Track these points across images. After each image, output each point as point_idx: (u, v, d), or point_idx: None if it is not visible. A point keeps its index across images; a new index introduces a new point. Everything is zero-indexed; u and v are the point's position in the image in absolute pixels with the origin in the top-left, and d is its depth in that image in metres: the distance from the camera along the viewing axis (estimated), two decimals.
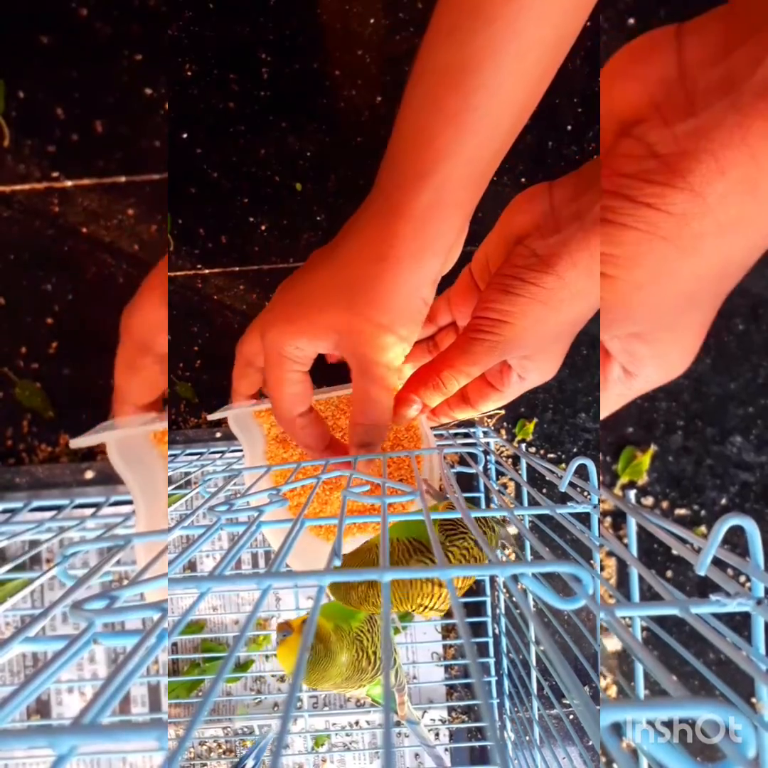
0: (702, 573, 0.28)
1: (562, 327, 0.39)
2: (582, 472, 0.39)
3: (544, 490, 0.96)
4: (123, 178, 1.00)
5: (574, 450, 1.03)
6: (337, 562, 0.29)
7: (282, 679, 0.94)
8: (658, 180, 0.26)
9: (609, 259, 0.28)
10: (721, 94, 0.25)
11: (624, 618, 0.25)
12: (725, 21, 0.26)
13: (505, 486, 0.99)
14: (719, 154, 0.25)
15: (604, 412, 0.37)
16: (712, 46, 0.26)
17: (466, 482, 0.88)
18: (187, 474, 0.72)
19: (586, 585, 0.25)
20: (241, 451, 0.79)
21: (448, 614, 0.94)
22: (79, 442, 0.41)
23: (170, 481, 0.73)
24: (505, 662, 0.88)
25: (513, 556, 0.83)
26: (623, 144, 0.28)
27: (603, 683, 0.99)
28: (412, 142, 0.35)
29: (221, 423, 1.01)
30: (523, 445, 0.93)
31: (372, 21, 1.00)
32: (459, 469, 0.63)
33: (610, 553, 0.97)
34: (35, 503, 0.58)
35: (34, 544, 0.54)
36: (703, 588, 0.95)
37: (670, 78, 0.27)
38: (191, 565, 0.91)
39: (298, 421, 0.45)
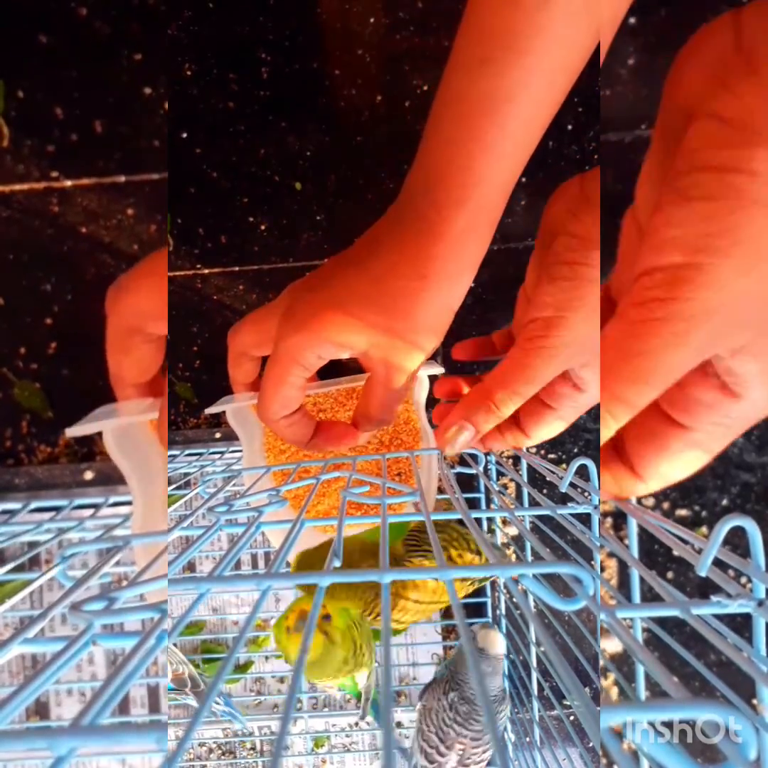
0: (703, 574, 0.28)
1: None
2: (583, 472, 0.39)
3: (545, 491, 0.96)
4: (122, 178, 1.00)
5: (575, 450, 1.02)
6: (337, 563, 0.28)
7: (282, 680, 0.93)
8: (734, 142, 0.25)
9: (698, 242, 0.25)
10: None
11: (625, 619, 0.25)
12: None
13: (505, 486, 0.99)
14: None
15: (704, 449, 0.31)
16: None
17: (467, 482, 0.88)
18: (186, 475, 0.72)
19: (586, 586, 0.24)
20: (241, 451, 0.79)
21: (449, 615, 0.94)
22: (75, 431, 0.41)
23: (170, 482, 0.73)
24: (505, 663, 0.87)
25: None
26: (693, 126, 0.26)
27: (604, 684, 0.98)
28: (448, 167, 0.36)
29: (221, 422, 1.01)
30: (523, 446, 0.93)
31: (372, 20, 1.00)
32: (459, 469, 0.63)
33: (610, 554, 0.97)
34: (34, 504, 0.58)
35: (33, 545, 0.54)
36: (704, 589, 0.95)
37: (727, 52, 0.25)
38: (190, 566, 0.91)
39: (283, 421, 0.45)
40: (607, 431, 0.29)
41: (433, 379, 0.53)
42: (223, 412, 0.53)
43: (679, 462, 0.31)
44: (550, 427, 0.44)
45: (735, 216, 0.25)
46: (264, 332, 0.44)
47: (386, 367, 0.41)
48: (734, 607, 0.25)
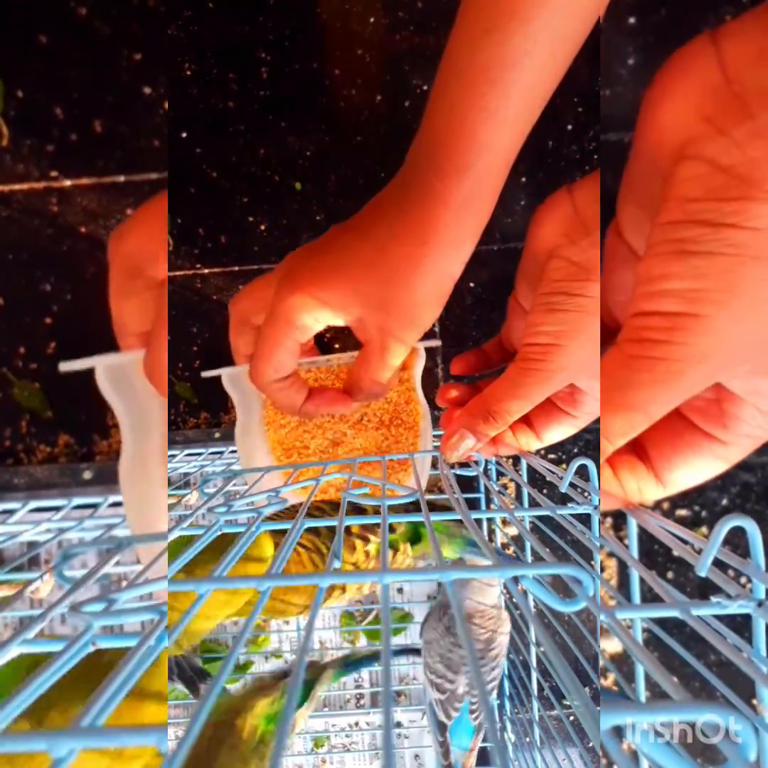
0: (702, 574, 0.28)
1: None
2: (582, 472, 0.39)
3: (545, 491, 0.96)
4: (122, 178, 1.00)
5: (575, 450, 1.02)
6: (337, 565, 0.28)
7: None
8: (734, 195, 0.24)
9: (698, 295, 0.26)
10: None
11: (624, 619, 0.25)
12: (765, 20, 0.24)
13: (505, 486, 0.99)
14: None
15: (731, 462, 0.32)
16: (756, 46, 0.24)
17: (467, 483, 0.88)
18: (186, 475, 0.72)
19: (586, 587, 0.24)
20: None
21: None
22: (68, 366, 0.39)
23: (169, 483, 0.73)
24: (505, 663, 0.87)
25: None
26: (683, 167, 0.26)
27: (604, 684, 0.98)
28: (453, 135, 0.36)
29: (221, 422, 1.01)
30: None
31: (372, 20, 0.99)
32: (459, 471, 0.63)
33: (610, 554, 0.97)
34: (33, 504, 0.58)
35: (32, 545, 0.54)
36: (704, 589, 0.95)
37: (715, 85, 0.25)
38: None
39: (275, 385, 0.44)
40: (603, 454, 0.30)
41: (430, 353, 0.52)
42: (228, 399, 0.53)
43: (704, 471, 0.32)
44: (562, 430, 0.44)
45: (734, 273, 0.25)
46: (265, 299, 0.43)
47: (382, 336, 0.41)
48: (734, 608, 0.25)
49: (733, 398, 0.30)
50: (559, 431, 0.44)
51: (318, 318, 0.41)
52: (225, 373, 0.52)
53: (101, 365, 0.39)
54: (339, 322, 0.41)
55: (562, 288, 0.37)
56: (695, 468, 0.32)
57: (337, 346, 0.89)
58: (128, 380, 0.41)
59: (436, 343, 0.50)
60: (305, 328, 0.41)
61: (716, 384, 0.29)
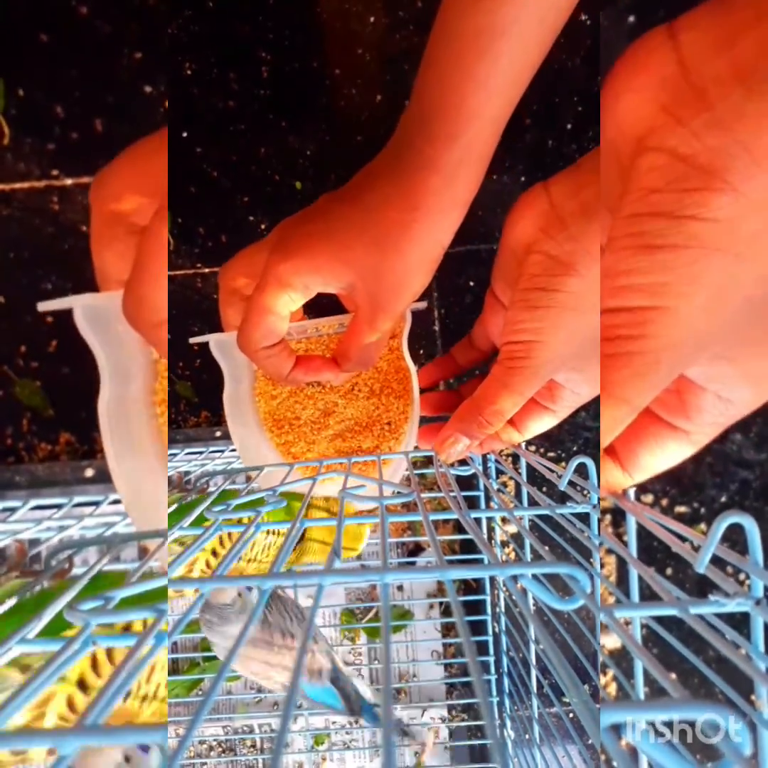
0: (701, 571, 0.28)
1: (595, 331, 0.36)
2: (582, 470, 0.39)
3: (545, 489, 0.96)
4: None
5: (574, 449, 1.03)
6: (338, 563, 0.29)
7: None
8: (695, 186, 0.25)
9: (663, 289, 0.26)
10: (735, 83, 0.24)
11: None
12: (721, 12, 0.24)
13: (505, 484, 0.99)
14: (750, 144, 0.24)
15: (698, 447, 0.34)
16: (712, 37, 0.24)
17: (466, 481, 0.88)
18: (186, 473, 0.72)
19: (583, 585, 0.25)
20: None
21: (448, 613, 0.94)
22: (46, 306, 0.38)
23: (169, 482, 0.73)
24: (504, 660, 0.88)
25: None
26: (644, 159, 0.26)
27: (603, 680, 0.99)
28: (443, 103, 0.36)
29: (221, 422, 1.01)
30: (523, 444, 0.93)
31: (372, 20, 1.00)
32: (457, 469, 0.63)
33: (610, 550, 0.97)
34: (35, 502, 0.58)
35: (33, 542, 0.54)
36: (703, 585, 0.96)
37: (672, 77, 0.25)
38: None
39: (263, 352, 0.44)
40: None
41: (417, 316, 0.52)
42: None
43: (670, 459, 0.34)
44: (541, 424, 0.45)
45: (697, 265, 0.25)
46: (256, 267, 0.43)
47: (372, 304, 0.41)
48: (732, 606, 0.25)
49: (693, 388, 0.32)
50: (538, 425, 0.45)
51: (309, 284, 0.40)
52: (213, 339, 0.51)
53: (79, 305, 0.38)
54: (330, 288, 0.41)
55: (540, 284, 0.37)
56: (659, 457, 0.34)
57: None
58: (108, 322, 0.39)
59: (422, 305, 0.49)
60: (296, 294, 0.41)
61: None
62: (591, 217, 0.35)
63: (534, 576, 0.25)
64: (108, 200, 0.37)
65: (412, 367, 0.52)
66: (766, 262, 0.26)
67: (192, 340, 0.51)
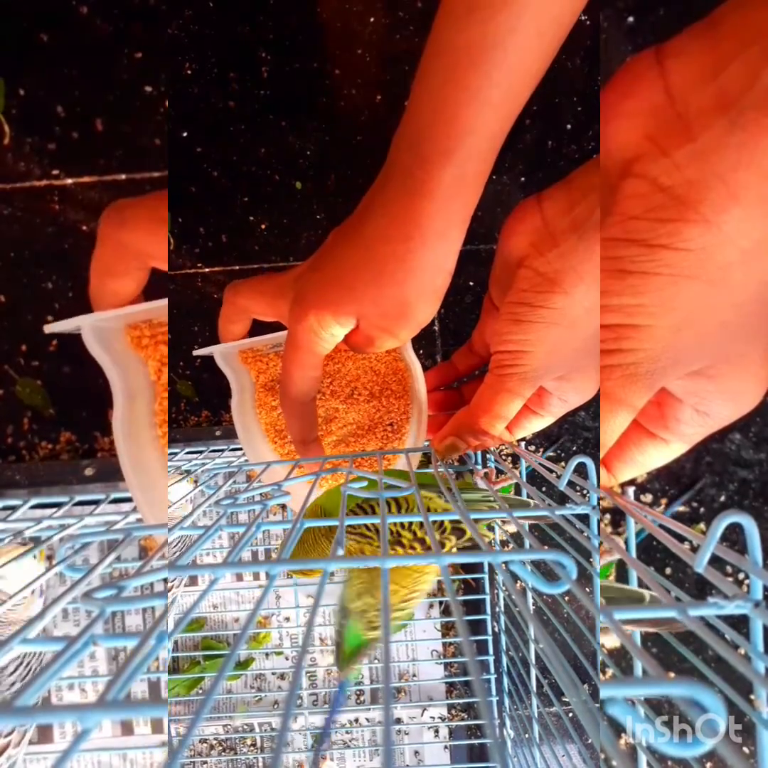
0: (700, 570, 0.28)
1: (584, 343, 0.38)
2: (581, 470, 0.39)
3: (544, 489, 0.96)
4: (123, 176, 1.00)
5: (574, 448, 1.03)
6: (341, 551, 0.29)
7: (282, 676, 0.94)
8: (670, 216, 0.26)
9: (638, 309, 0.27)
10: (718, 114, 0.24)
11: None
12: (707, 38, 0.25)
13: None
14: (728, 177, 0.24)
15: (675, 456, 0.35)
16: (698, 66, 0.25)
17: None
18: (187, 473, 0.73)
19: (569, 571, 0.26)
20: (241, 449, 0.79)
21: (448, 612, 0.94)
22: (53, 328, 0.39)
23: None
24: (504, 660, 0.88)
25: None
26: (626, 185, 0.27)
27: (602, 679, 0.99)
28: (435, 119, 0.35)
29: (221, 421, 1.01)
30: (523, 444, 0.94)
31: (372, 20, 1.00)
32: (457, 468, 0.63)
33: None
34: (35, 500, 0.58)
35: (34, 541, 0.54)
36: (702, 584, 0.96)
37: (659, 105, 0.26)
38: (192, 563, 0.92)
39: (305, 407, 0.45)
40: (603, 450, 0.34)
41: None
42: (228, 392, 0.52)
43: (650, 463, 0.36)
44: (528, 427, 0.46)
45: (668, 290, 0.27)
46: (267, 297, 0.44)
47: (377, 333, 0.41)
48: (731, 609, 0.25)
49: (673, 401, 0.33)
50: (526, 428, 0.46)
51: (333, 333, 0.41)
52: (217, 350, 0.51)
53: (88, 325, 0.39)
54: (346, 330, 0.41)
55: (526, 299, 0.37)
56: (640, 463, 0.36)
57: None
58: (112, 341, 0.41)
59: None
60: (325, 345, 0.42)
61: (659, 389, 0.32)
62: (581, 235, 0.35)
63: (524, 563, 0.26)
64: (125, 243, 0.37)
65: (417, 365, 0.52)
66: (742, 291, 0.27)
67: (196, 353, 0.52)
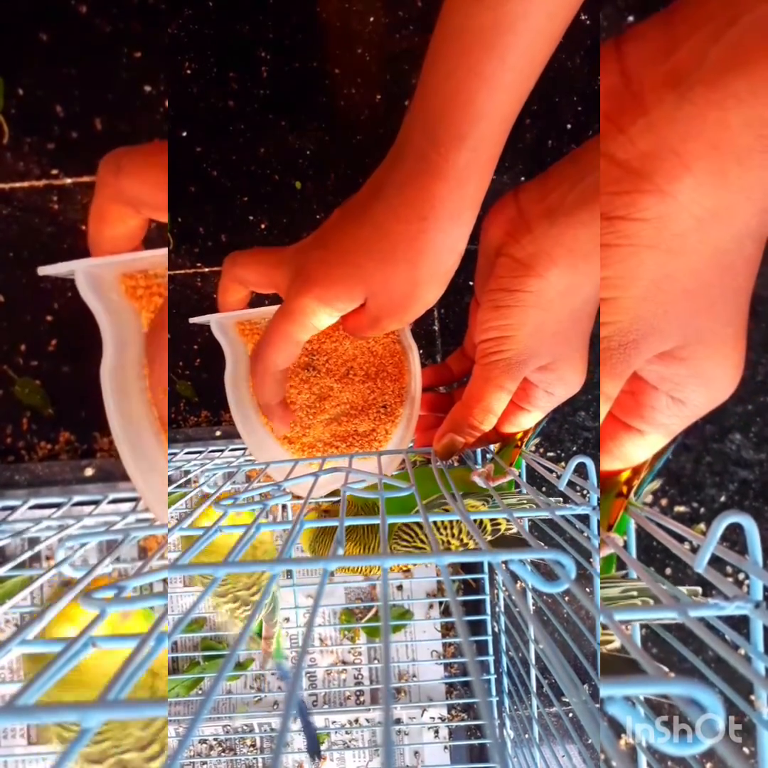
0: (700, 570, 0.28)
1: (561, 326, 0.39)
2: (581, 470, 0.39)
3: (544, 488, 0.96)
4: None
5: (574, 448, 1.03)
6: (341, 551, 0.29)
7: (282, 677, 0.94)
8: (625, 189, 0.27)
9: (604, 281, 0.28)
10: (669, 89, 0.25)
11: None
12: (664, 25, 0.26)
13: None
14: (679, 148, 0.25)
15: (655, 449, 0.35)
16: (653, 49, 0.26)
17: None
18: (187, 473, 0.73)
19: (568, 570, 0.26)
20: (241, 449, 0.79)
21: (448, 613, 0.94)
22: (46, 270, 0.39)
23: (170, 481, 0.73)
24: (504, 660, 0.88)
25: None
26: None
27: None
28: (448, 103, 0.35)
29: (221, 421, 1.01)
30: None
31: (372, 19, 1.00)
32: (454, 468, 0.63)
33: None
34: (34, 501, 0.58)
35: (33, 541, 0.54)
36: (702, 585, 0.96)
37: (615, 87, 0.27)
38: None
39: (273, 375, 0.44)
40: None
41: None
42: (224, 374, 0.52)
43: (627, 457, 0.36)
44: (517, 423, 0.46)
45: (629, 261, 0.28)
46: (265, 267, 0.44)
47: (387, 314, 0.41)
48: (731, 610, 0.25)
49: (647, 389, 0.33)
50: (514, 423, 0.46)
51: (332, 312, 0.41)
52: (214, 319, 0.51)
53: (81, 270, 0.39)
54: (350, 309, 0.41)
55: (504, 285, 0.38)
56: (617, 456, 0.36)
57: None
58: (104, 289, 0.40)
59: None
60: (319, 322, 0.42)
61: (633, 376, 0.32)
62: (553, 220, 0.36)
63: (523, 563, 0.26)
64: (123, 192, 0.36)
65: (414, 348, 0.52)
66: (698, 257, 0.28)
67: (192, 320, 0.52)
